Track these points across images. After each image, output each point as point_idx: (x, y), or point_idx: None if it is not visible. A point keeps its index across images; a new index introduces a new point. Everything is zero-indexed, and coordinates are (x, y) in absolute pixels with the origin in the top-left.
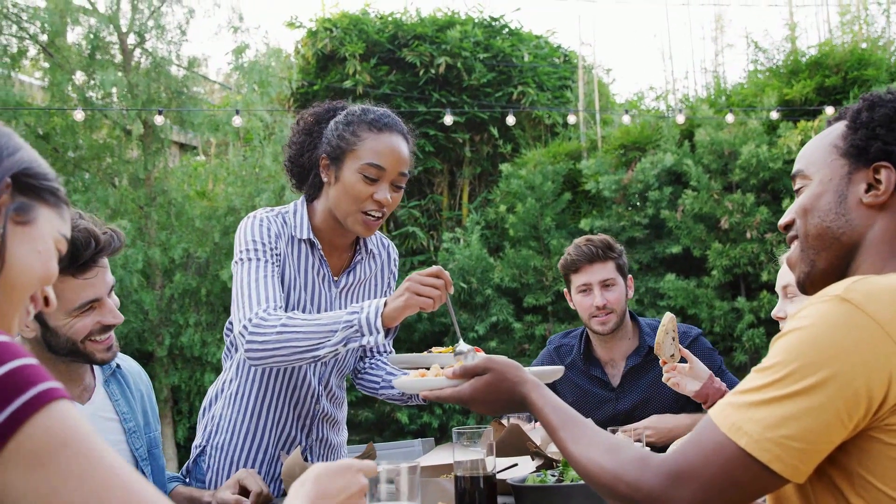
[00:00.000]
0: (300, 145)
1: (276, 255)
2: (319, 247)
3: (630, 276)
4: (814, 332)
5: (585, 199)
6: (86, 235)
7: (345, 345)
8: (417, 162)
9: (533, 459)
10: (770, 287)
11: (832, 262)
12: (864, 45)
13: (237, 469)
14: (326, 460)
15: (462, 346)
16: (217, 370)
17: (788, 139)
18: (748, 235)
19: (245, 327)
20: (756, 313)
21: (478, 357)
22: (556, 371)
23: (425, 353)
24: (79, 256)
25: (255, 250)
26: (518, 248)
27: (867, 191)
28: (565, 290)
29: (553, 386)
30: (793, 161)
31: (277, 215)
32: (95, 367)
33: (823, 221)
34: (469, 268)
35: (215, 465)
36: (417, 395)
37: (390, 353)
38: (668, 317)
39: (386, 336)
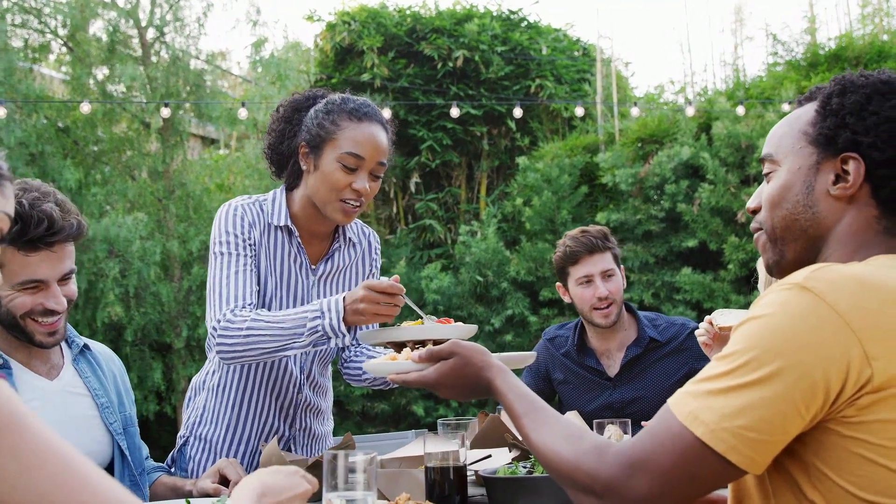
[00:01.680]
0: (280, 133)
1: (250, 245)
2: (297, 234)
3: (622, 266)
4: (773, 320)
5: (602, 193)
6: (40, 216)
7: (313, 346)
8: (435, 155)
9: (510, 451)
10: None
11: (800, 253)
12: (884, 38)
13: (219, 459)
14: (311, 450)
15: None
16: None
17: None
18: None
19: (214, 328)
20: None
21: (447, 330)
22: (527, 357)
23: (396, 325)
24: (26, 233)
25: (228, 243)
26: (534, 242)
27: (835, 182)
28: (559, 284)
29: (549, 373)
30: None
31: (255, 203)
32: (63, 346)
33: (791, 214)
34: (485, 261)
35: (198, 455)
36: None
37: None
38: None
39: (350, 332)
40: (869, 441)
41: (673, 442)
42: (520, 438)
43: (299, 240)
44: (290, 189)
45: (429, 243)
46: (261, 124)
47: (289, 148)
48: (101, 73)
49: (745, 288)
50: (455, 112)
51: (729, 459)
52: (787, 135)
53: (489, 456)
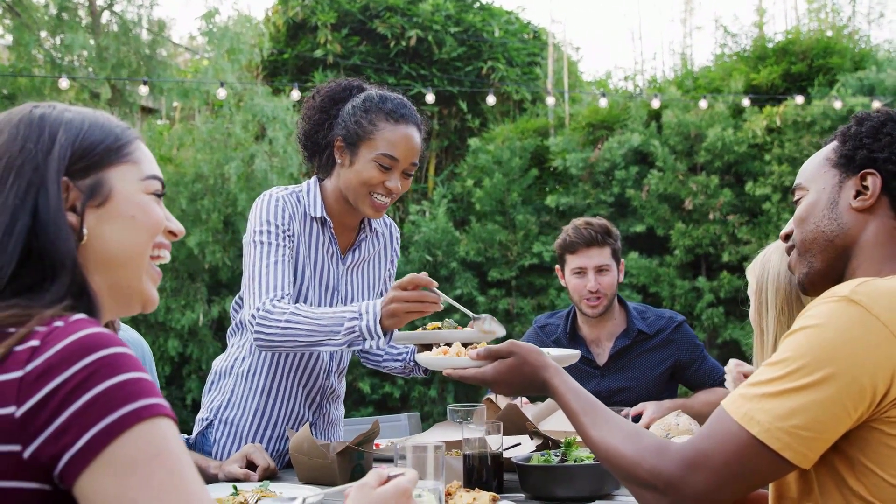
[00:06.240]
0: (316, 122)
1: (289, 235)
2: (331, 225)
3: (622, 260)
4: (822, 330)
5: (552, 176)
6: None
7: (349, 346)
8: None
9: (532, 439)
10: (730, 268)
11: (829, 263)
12: (829, 34)
13: (244, 444)
14: (328, 436)
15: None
16: (180, 337)
17: (754, 124)
18: (711, 217)
19: (253, 316)
20: (716, 293)
21: (494, 325)
22: (574, 355)
23: (420, 329)
24: None
25: (269, 232)
26: (484, 223)
27: (856, 196)
28: (557, 266)
29: None
30: (757, 145)
31: (291, 194)
32: None
33: (818, 227)
34: (434, 241)
35: (223, 439)
36: (417, 369)
37: None
38: None
39: (385, 335)
40: None
41: (729, 440)
42: (538, 427)
43: (332, 230)
44: (322, 180)
45: None
46: (211, 97)
47: (324, 139)
48: (49, 41)
49: (690, 273)
50: (431, 98)
51: (783, 456)
52: (812, 165)
53: (519, 444)
